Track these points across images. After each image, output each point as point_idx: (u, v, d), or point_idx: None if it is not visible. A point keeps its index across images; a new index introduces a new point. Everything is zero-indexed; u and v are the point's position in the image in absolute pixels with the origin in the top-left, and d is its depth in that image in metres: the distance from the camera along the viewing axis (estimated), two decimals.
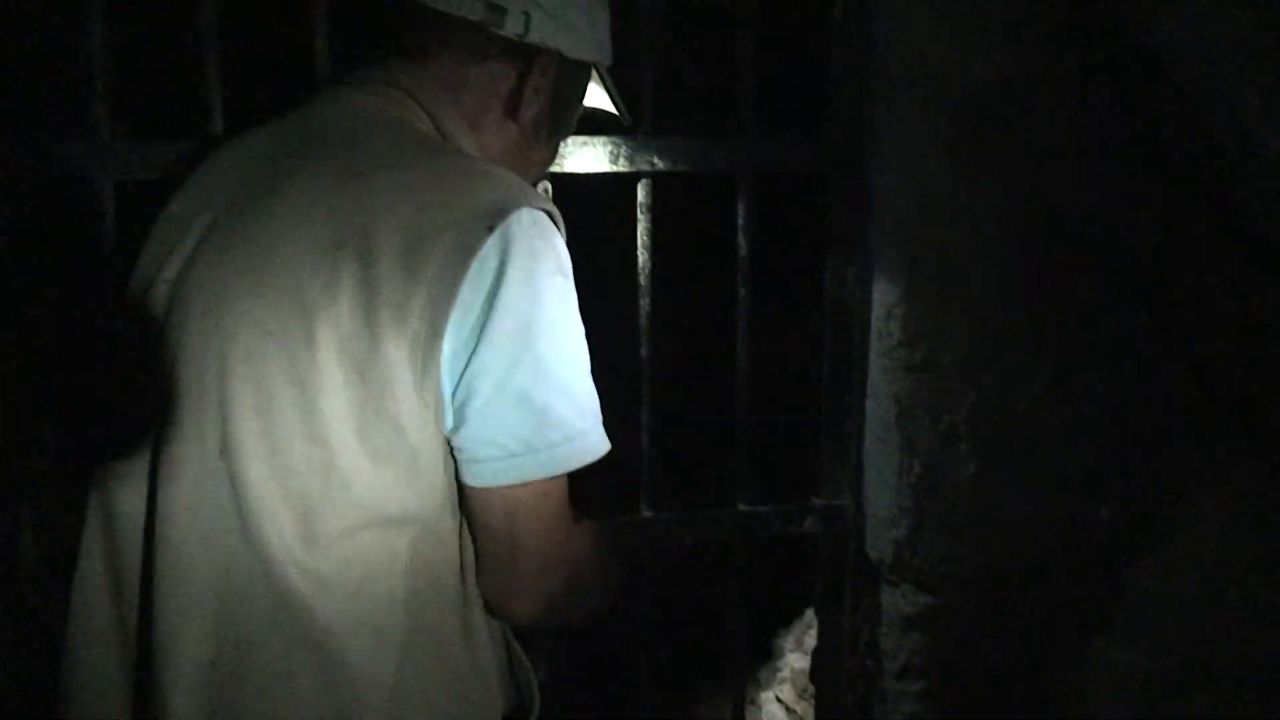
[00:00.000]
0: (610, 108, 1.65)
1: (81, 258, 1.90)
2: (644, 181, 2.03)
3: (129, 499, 1.25)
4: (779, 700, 2.54)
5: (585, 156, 1.98)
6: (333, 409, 1.15)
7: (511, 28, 1.34)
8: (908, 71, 2.03)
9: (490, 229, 1.17)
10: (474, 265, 1.16)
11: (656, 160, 2.01)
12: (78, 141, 1.88)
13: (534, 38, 1.36)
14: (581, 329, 1.27)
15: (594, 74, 1.54)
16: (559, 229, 1.27)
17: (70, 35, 1.90)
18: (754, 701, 2.57)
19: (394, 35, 1.40)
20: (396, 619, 1.21)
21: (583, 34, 1.42)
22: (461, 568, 1.28)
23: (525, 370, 1.19)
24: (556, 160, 1.96)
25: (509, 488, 1.22)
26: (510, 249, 1.18)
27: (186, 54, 1.95)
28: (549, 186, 1.97)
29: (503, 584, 1.28)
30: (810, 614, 2.61)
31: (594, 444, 1.26)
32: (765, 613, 2.76)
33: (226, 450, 1.17)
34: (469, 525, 1.27)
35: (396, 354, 1.15)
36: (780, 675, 2.58)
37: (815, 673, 2.27)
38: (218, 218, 1.26)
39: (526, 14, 1.35)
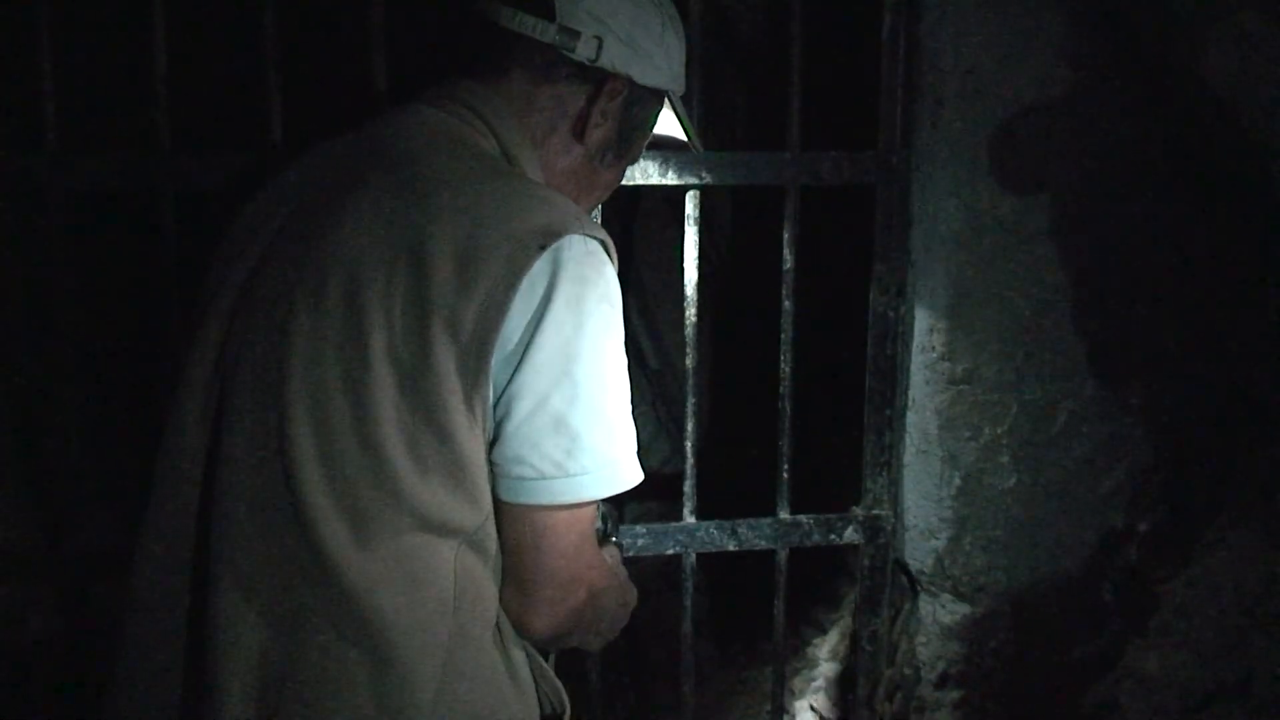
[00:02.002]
0: (680, 134, 1.66)
1: (142, 264, 1.94)
2: (692, 194, 2.06)
3: (187, 494, 1.27)
4: (813, 709, 2.55)
5: (634, 169, 2.01)
6: (384, 416, 1.18)
7: (583, 52, 1.36)
8: (955, 90, 2.06)
9: (542, 248, 1.19)
10: (524, 284, 1.18)
11: (704, 173, 2.05)
12: (138, 152, 1.92)
13: (605, 63, 1.37)
14: (624, 360, 1.28)
15: (666, 101, 1.56)
16: (611, 258, 1.28)
17: (132, 49, 1.94)
18: (788, 710, 2.58)
19: (467, 54, 1.42)
20: (444, 620, 1.23)
21: (655, 62, 1.43)
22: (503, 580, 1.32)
23: (563, 394, 1.20)
24: None
25: (539, 508, 1.24)
26: (559, 272, 1.20)
27: (248, 69, 1.99)
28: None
29: (522, 599, 1.29)
30: (846, 622, 2.63)
31: (626, 474, 1.28)
32: (801, 620, 2.78)
33: (283, 451, 1.19)
34: (499, 537, 1.29)
35: (446, 365, 1.17)
36: (815, 684, 2.59)
37: (853, 682, 2.29)
38: (285, 226, 1.29)
39: (599, 39, 1.36)
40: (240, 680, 1.21)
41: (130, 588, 1.32)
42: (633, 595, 1.53)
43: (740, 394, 3.28)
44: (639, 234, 3.28)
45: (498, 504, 1.26)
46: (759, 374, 2.30)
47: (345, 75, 2.07)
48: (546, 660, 1.45)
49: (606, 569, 1.39)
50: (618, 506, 1.70)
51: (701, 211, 2.10)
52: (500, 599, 1.30)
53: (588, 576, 1.31)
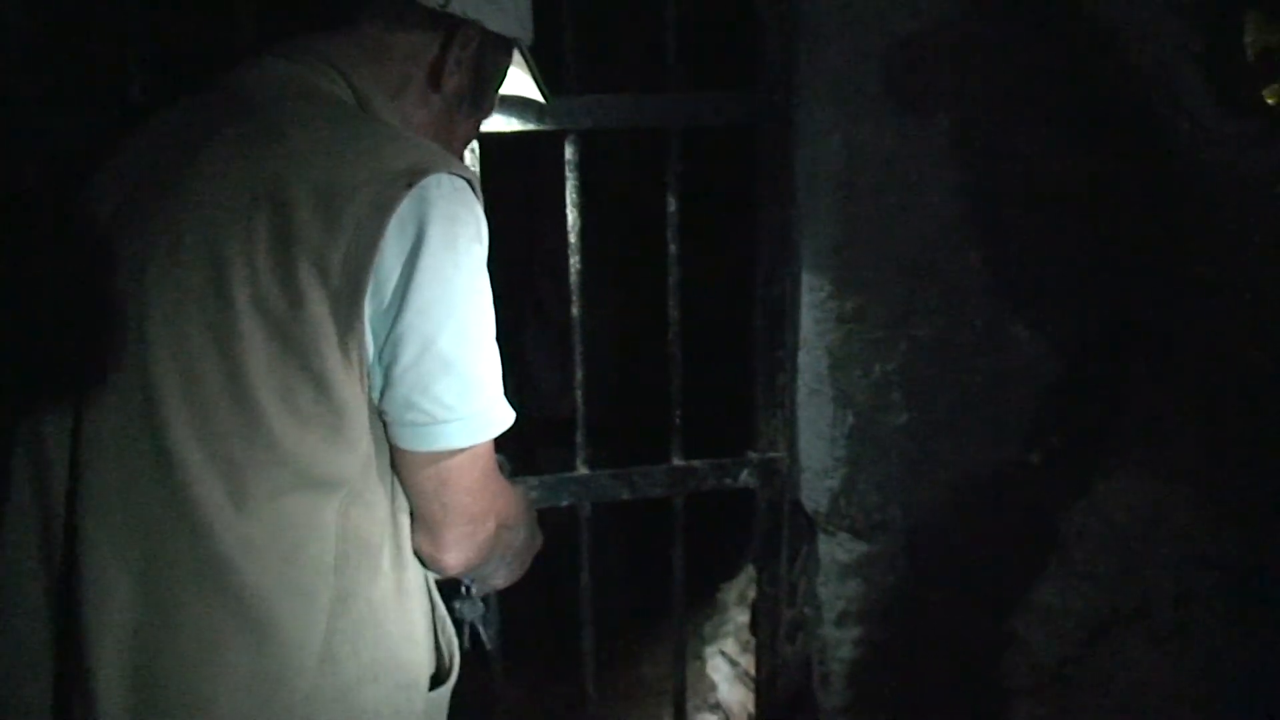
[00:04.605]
0: (530, 93, 1.67)
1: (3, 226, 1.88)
2: (571, 139, 2.03)
3: (52, 466, 1.24)
4: (723, 654, 2.56)
5: (512, 115, 1.98)
6: (255, 368, 1.16)
7: None
8: (834, 26, 2.04)
9: (409, 185, 1.17)
10: (393, 224, 1.16)
11: (583, 118, 2.01)
12: None
13: (455, 8, 1.36)
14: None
15: (515, 57, 1.55)
16: (477, 196, 1.28)
17: None
18: (699, 656, 2.59)
19: (316, 5, 1.39)
20: (326, 583, 1.22)
21: (504, 8, 1.43)
22: (395, 533, 1.30)
23: (449, 336, 1.20)
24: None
25: (438, 453, 1.25)
26: (429, 212, 1.19)
27: (108, 24, 1.93)
28: (474, 146, 1.97)
29: (434, 538, 1.31)
30: (753, 568, 2.63)
31: (507, 412, 1.30)
32: (709, 568, 2.78)
33: (149, 414, 1.17)
34: (400, 483, 1.30)
35: (319, 310, 1.15)
36: (724, 629, 2.60)
37: (755, 624, 2.30)
38: (138, 185, 1.26)
39: None
40: (113, 654, 1.19)
41: None
42: (539, 538, 1.56)
43: (649, 343, 3.26)
44: (541, 186, 3.25)
45: (396, 453, 1.26)
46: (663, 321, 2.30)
47: (211, 29, 2.02)
48: (463, 599, 1.50)
49: (513, 497, 1.42)
50: (530, 456, 1.71)
51: (587, 157, 2.07)
52: (413, 541, 1.32)
53: (495, 507, 1.34)
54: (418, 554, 1.34)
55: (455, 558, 1.32)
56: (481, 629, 1.64)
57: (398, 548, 1.31)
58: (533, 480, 2.11)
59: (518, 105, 1.96)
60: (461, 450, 1.25)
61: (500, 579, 1.51)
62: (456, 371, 1.21)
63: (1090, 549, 2.26)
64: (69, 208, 1.32)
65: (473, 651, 1.61)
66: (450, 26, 1.38)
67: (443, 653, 1.43)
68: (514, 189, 2.92)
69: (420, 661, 1.36)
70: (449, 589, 1.55)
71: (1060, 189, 2.13)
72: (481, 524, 1.32)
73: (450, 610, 1.49)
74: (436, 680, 1.42)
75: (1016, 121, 2.10)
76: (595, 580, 2.21)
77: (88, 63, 2.27)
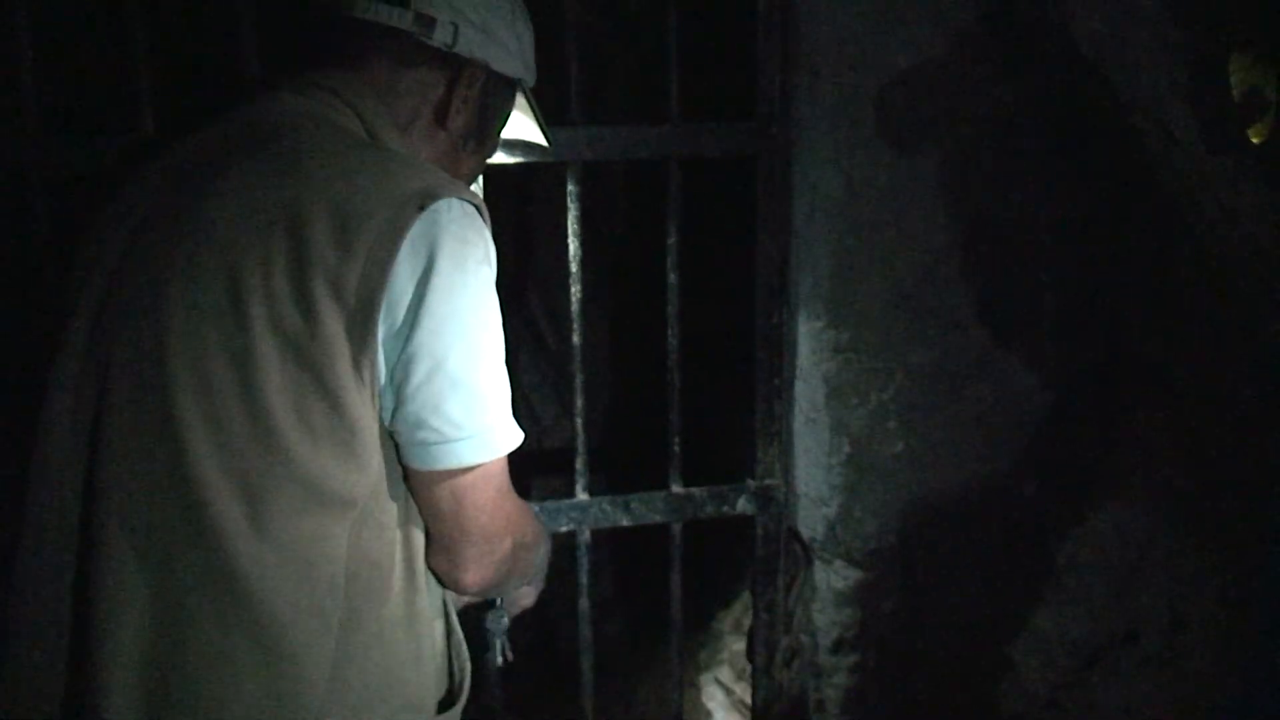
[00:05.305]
0: (532, 136, 1.71)
1: (13, 251, 1.90)
2: (572, 170, 2.05)
3: (66, 487, 1.26)
4: (718, 681, 2.57)
5: (515, 148, 2.00)
6: (271, 386, 1.18)
7: (440, 38, 1.39)
8: (831, 61, 2.08)
9: (421, 208, 1.21)
10: (405, 246, 1.19)
11: (584, 149, 2.04)
12: (6, 137, 1.87)
13: (461, 49, 1.40)
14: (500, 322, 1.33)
15: (518, 100, 1.59)
16: (486, 222, 1.31)
17: None
18: (694, 684, 2.60)
19: (326, 42, 1.43)
20: (337, 604, 1.23)
21: (509, 50, 1.47)
22: (407, 556, 1.32)
23: (459, 355, 1.23)
24: None
25: (451, 472, 1.26)
26: (440, 234, 1.22)
27: (117, 52, 1.96)
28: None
29: (451, 558, 1.33)
30: (748, 595, 2.65)
31: (516, 430, 1.32)
32: (703, 595, 2.79)
33: (166, 433, 1.18)
34: (417, 505, 1.31)
35: (334, 328, 1.18)
36: (719, 657, 2.61)
37: (751, 651, 2.31)
38: (152, 211, 1.28)
39: (455, 25, 1.39)
40: (124, 673, 1.20)
41: (10, 581, 1.30)
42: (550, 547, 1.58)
43: (643, 371, 3.28)
44: (535, 215, 3.28)
45: (410, 473, 1.28)
46: (661, 350, 2.32)
47: (218, 61, 2.05)
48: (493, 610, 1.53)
49: (528, 515, 1.43)
50: (527, 487, 1.72)
51: (585, 187, 2.10)
52: (429, 562, 1.33)
53: (511, 526, 1.35)
54: (436, 574, 1.35)
55: (473, 576, 1.34)
56: (499, 645, 1.65)
57: (410, 571, 1.32)
58: (533, 507, 2.12)
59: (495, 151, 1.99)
60: (473, 468, 1.27)
61: (528, 599, 1.53)
62: (465, 390, 1.23)
63: (1083, 576, 2.29)
64: (87, 231, 1.34)
65: (485, 667, 1.62)
66: (456, 66, 1.42)
67: (454, 676, 1.44)
68: (507, 215, 2.94)
69: (427, 684, 1.37)
70: (480, 603, 1.57)
71: (1053, 221, 2.17)
72: (498, 542, 1.34)
73: (480, 622, 1.50)
74: (446, 704, 1.43)
75: (1009, 155, 2.14)
76: (591, 606, 2.22)
77: (96, 92, 2.29)
